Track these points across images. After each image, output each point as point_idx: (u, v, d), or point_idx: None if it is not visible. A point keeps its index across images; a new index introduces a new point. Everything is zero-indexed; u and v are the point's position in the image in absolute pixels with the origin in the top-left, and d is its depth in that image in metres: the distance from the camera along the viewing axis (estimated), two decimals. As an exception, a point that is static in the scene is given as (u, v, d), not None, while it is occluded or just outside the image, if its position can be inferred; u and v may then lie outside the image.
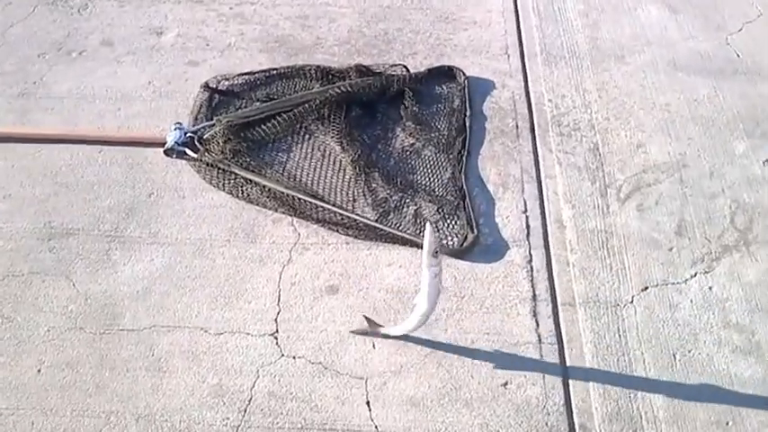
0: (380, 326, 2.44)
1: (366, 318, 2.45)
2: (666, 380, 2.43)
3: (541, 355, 2.47)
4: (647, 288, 2.68)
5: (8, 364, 2.41)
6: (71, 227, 2.79)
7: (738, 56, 3.63)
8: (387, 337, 2.45)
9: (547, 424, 2.31)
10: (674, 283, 2.70)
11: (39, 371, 2.40)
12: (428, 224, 2.11)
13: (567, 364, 2.47)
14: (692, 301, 2.65)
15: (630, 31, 3.74)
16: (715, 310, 2.63)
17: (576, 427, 2.32)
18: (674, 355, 2.50)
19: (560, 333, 2.55)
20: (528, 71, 3.53)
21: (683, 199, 2.98)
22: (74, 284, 2.61)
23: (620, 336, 2.54)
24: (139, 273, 2.64)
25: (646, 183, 3.05)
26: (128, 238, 2.76)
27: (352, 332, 2.47)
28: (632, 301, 2.64)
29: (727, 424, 2.34)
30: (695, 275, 2.73)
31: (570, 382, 2.42)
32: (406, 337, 2.45)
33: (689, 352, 2.51)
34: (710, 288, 2.69)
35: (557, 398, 2.37)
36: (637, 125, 3.27)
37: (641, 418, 2.34)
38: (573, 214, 2.91)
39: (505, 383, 2.40)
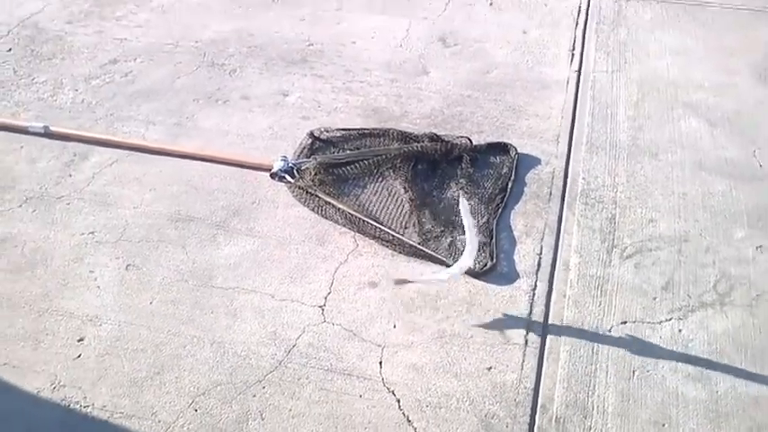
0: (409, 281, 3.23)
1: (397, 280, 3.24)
2: (622, 387, 2.94)
3: (524, 354, 3.04)
4: (625, 322, 3.21)
5: (131, 295, 3.22)
6: (192, 215, 3.63)
7: (761, 166, 4.05)
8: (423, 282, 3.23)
9: (515, 400, 2.87)
10: (649, 323, 3.21)
11: (150, 303, 3.19)
12: (461, 197, 2.96)
13: (544, 363, 3.02)
14: (661, 337, 3.16)
15: (669, 136, 4.26)
16: (679, 346, 3.11)
17: (539, 406, 2.87)
18: (633, 371, 3.01)
19: (544, 341, 3.11)
20: (571, 155, 4.11)
21: (676, 264, 3.49)
22: (186, 253, 3.42)
23: (593, 351, 3.07)
24: (234, 252, 3.43)
25: (648, 248, 3.58)
26: (231, 228, 3.56)
27: (395, 281, 3.24)
28: (610, 330, 3.18)
29: (663, 425, 2.82)
30: (670, 320, 3.23)
31: (543, 375, 2.97)
32: (419, 324, 3.10)
33: (647, 371, 3.01)
34: (680, 330, 3.18)
35: (528, 384, 2.93)
36: (653, 206, 3.80)
37: (593, 408, 2.86)
38: (579, 262, 3.48)
39: (490, 368, 2.99)
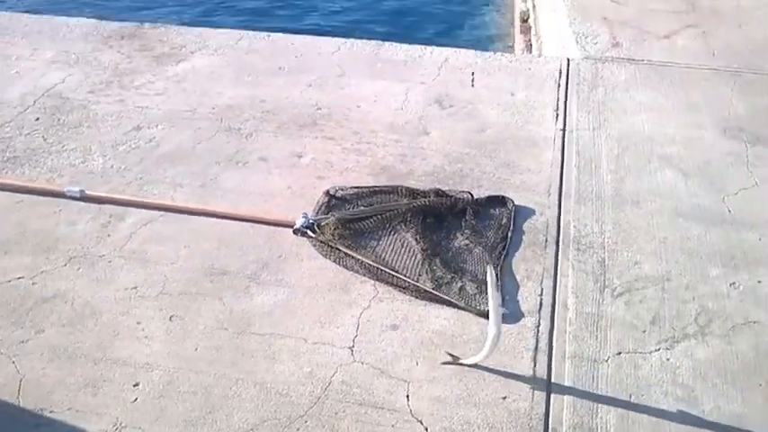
0: (459, 357, 3.46)
1: (449, 353, 3.50)
2: (621, 409, 3.34)
3: (534, 385, 3.45)
4: (620, 353, 3.63)
5: (176, 344, 3.58)
6: (226, 269, 4.02)
7: (730, 211, 4.53)
8: (466, 365, 3.44)
9: (529, 425, 3.27)
10: (641, 353, 3.63)
11: (196, 350, 3.56)
12: (489, 266, 3.23)
13: (552, 391, 3.42)
14: (651, 365, 3.58)
15: (648, 187, 4.71)
16: (668, 372, 3.53)
17: (550, 429, 3.26)
18: (630, 396, 3.41)
19: (550, 372, 3.51)
20: (562, 206, 4.55)
21: (661, 301, 3.92)
22: (224, 303, 3.80)
23: (593, 379, 3.48)
24: (267, 301, 3.82)
25: (635, 288, 4.02)
26: (262, 280, 3.95)
27: (443, 363, 3.48)
28: (607, 360, 3.59)
29: (659, 442, 3.23)
30: (658, 350, 3.65)
31: (551, 401, 3.37)
32: (439, 360, 3.49)
33: (641, 396, 3.42)
34: (668, 359, 3.60)
35: (539, 410, 3.33)
36: (637, 249, 4.25)
37: (597, 429, 3.25)
38: (576, 301, 3.91)
39: (504, 397, 3.38)
